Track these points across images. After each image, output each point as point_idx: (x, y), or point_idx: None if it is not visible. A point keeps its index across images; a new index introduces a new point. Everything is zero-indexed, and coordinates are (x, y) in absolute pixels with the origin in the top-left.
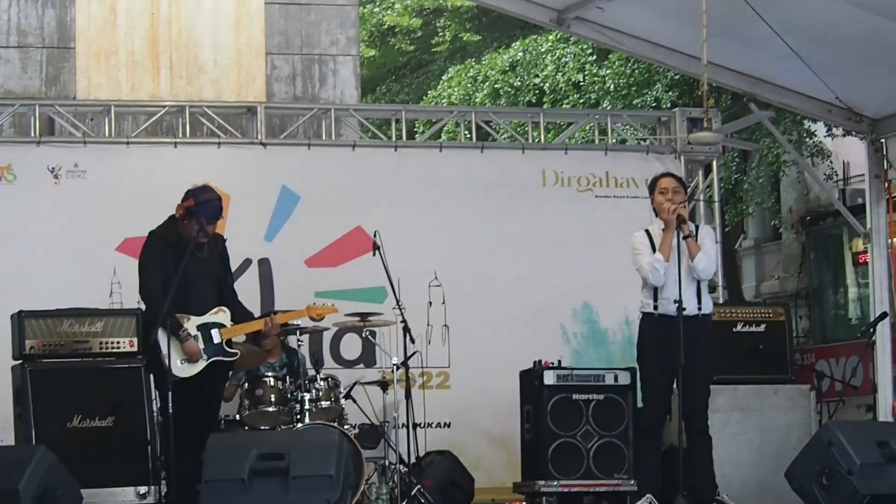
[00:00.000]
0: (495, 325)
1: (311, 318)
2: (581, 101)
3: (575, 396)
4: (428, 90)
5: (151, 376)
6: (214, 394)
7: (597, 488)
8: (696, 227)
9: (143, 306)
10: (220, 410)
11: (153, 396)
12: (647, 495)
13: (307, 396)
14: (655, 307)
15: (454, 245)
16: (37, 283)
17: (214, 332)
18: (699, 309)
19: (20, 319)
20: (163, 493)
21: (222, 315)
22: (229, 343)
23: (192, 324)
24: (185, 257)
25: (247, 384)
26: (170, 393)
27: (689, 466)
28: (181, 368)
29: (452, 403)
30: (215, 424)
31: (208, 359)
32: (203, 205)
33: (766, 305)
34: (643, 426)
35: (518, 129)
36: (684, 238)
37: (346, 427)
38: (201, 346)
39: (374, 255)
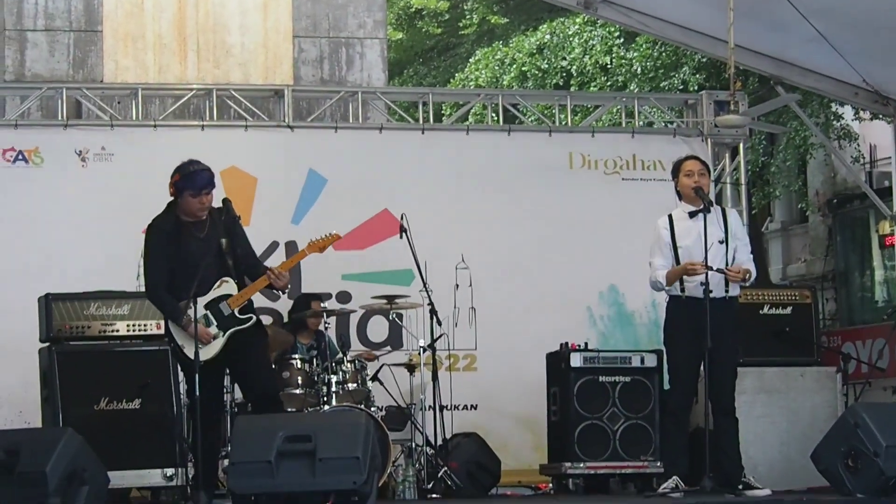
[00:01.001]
0: (522, 308)
1: (318, 252)
2: (608, 83)
3: (601, 379)
4: (455, 73)
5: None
6: (254, 365)
7: (623, 470)
8: (723, 211)
9: None
10: (273, 380)
11: (180, 379)
12: (674, 477)
13: (334, 379)
14: (682, 290)
15: (481, 228)
16: (64, 265)
17: (223, 306)
18: (726, 291)
19: (47, 302)
20: (190, 476)
21: (226, 286)
22: (243, 310)
23: (200, 306)
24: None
25: (274, 366)
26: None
27: (716, 448)
28: (202, 352)
29: (479, 386)
30: (272, 393)
31: (224, 334)
32: (189, 177)
33: (793, 288)
34: (670, 408)
35: (545, 112)
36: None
37: (372, 409)
38: (214, 323)
39: (400, 237)
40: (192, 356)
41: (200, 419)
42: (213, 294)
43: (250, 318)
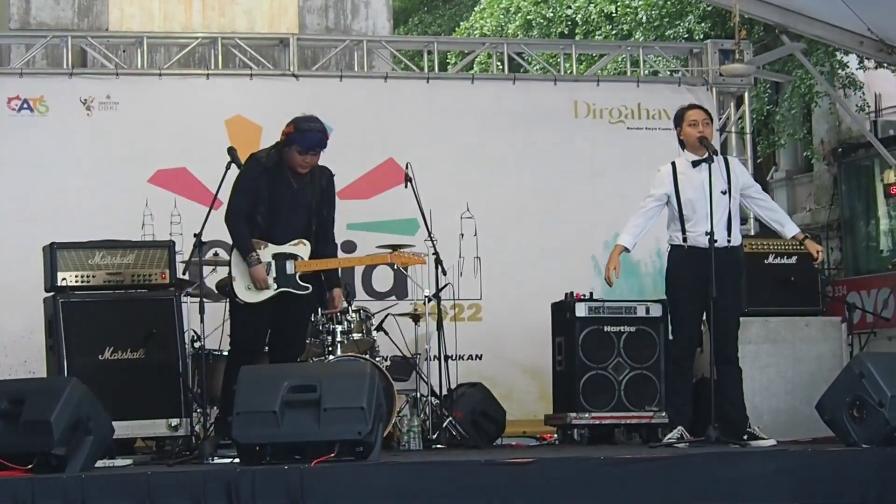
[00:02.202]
0: (527, 257)
1: (398, 265)
2: (613, 32)
3: (606, 329)
4: (460, 22)
5: (185, 307)
6: (292, 326)
7: (628, 420)
8: (726, 161)
9: (177, 238)
10: (302, 345)
11: (185, 328)
12: (679, 427)
13: (339, 329)
14: (685, 239)
15: (486, 177)
16: (69, 214)
17: (289, 264)
18: (728, 241)
19: (52, 251)
20: (194, 426)
21: (301, 248)
22: (304, 277)
23: (268, 251)
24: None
25: None
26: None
27: (720, 398)
28: (247, 293)
29: (484, 335)
30: (294, 357)
31: (277, 288)
32: (302, 133)
33: None
34: (673, 357)
35: (550, 61)
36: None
37: (377, 359)
38: (273, 274)
39: (405, 186)
40: (238, 293)
41: (232, 360)
42: (286, 248)
43: (307, 288)
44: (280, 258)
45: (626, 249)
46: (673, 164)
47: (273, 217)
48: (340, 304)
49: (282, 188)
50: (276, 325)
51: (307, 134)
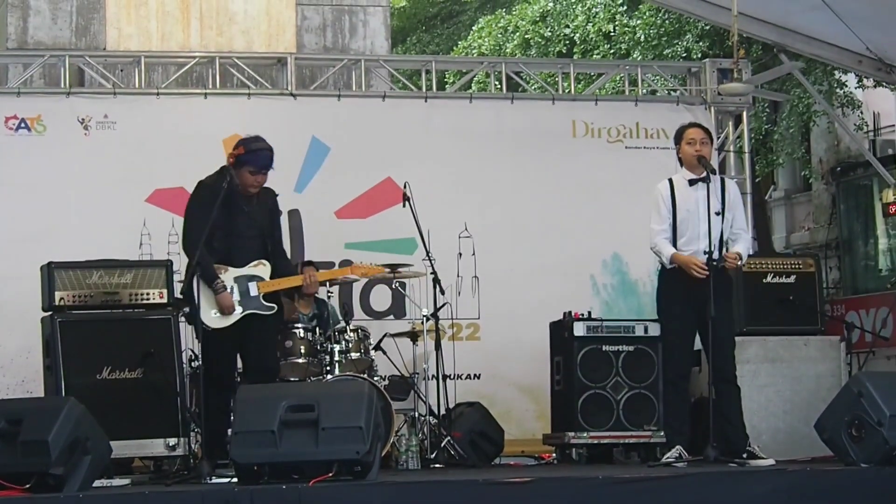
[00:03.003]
0: (525, 277)
1: (360, 277)
2: (611, 51)
3: (605, 348)
4: (458, 41)
5: (183, 327)
6: (261, 347)
7: (627, 440)
8: (722, 181)
9: (175, 258)
10: (275, 364)
11: (182, 348)
12: (677, 446)
13: (337, 348)
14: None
15: (484, 196)
16: (67, 234)
17: (252, 285)
18: (716, 261)
19: (50, 271)
20: (194, 446)
21: (262, 268)
22: (267, 297)
23: (229, 275)
24: (231, 208)
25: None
26: (201, 343)
27: (719, 417)
28: (214, 319)
29: (482, 355)
30: (270, 378)
31: (243, 311)
32: (254, 153)
33: (796, 256)
34: (668, 377)
35: (548, 80)
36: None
37: (375, 379)
38: (237, 298)
39: (403, 206)
40: (204, 319)
41: (207, 385)
42: (247, 270)
43: (273, 308)
44: (242, 281)
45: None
46: (670, 180)
47: (230, 242)
48: (315, 283)
49: (235, 212)
50: (246, 349)
51: (259, 153)
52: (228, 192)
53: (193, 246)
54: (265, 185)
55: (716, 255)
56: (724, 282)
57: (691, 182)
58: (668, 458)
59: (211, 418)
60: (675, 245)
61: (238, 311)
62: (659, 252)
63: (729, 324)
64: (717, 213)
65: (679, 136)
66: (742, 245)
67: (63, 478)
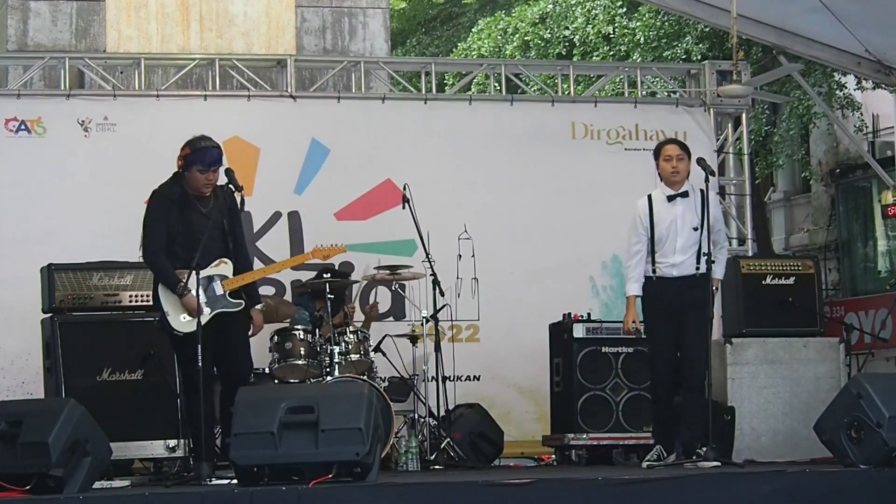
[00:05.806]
0: (525, 278)
1: (320, 260)
2: (611, 53)
3: (604, 349)
4: (458, 43)
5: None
6: (232, 345)
7: (626, 441)
8: (702, 194)
9: None
10: (248, 362)
11: None
12: (657, 446)
13: (336, 349)
14: (654, 270)
15: (484, 198)
16: (66, 236)
17: (216, 285)
18: (696, 269)
19: (50, 273)
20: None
21: (224, 267)
22: (234, 294)
23: (192, 278)
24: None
25: (276, 337)
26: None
27: (682, 421)
28: (185, 324)
29: (482, 356)
30: (244, 376)
31: (212, 312)
32: (200, 151)
33: (796, 258)
34: (653, 384)
35: (548, 82)
36: None
37: (375, 380)
38: (203, 300)
39: (403, 208)
40: (174, 326)
41: (190, 389)
42: (210, 271)
43: (240, 304)
44: (206, 281)
45: (638, 296)
46: (649, 197)
47: (191, 246)
48: (260, 324)
49: (193, 216)
50: (219, 349)
51: (205, 151)
52: (183, 198)
53: (153, 255)
54: (219, 183)
55: (692, 263)
56: (700, 290)
57: (669, 198)
58: (648, 459)
59: (196, 423)
60: (652, 259)
61: (207, 312)
62: (626, 277)
63: (702, 331)
64: (695, 229)
65: (657, 153)
66: (719, 267)
67: (63, 479)
